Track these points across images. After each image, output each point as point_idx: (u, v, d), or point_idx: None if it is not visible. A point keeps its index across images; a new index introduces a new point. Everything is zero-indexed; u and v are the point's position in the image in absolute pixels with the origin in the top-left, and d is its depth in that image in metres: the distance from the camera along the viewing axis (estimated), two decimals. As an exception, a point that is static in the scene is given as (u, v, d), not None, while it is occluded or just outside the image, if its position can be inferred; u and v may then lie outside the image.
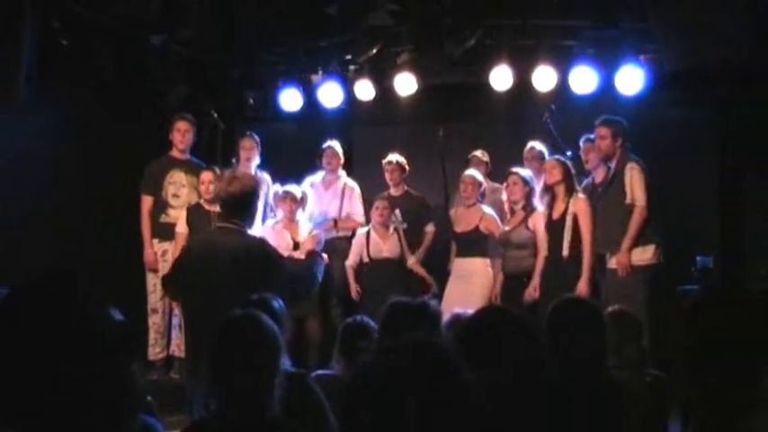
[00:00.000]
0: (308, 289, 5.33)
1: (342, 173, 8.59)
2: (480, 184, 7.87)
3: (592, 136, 7.33)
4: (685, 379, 2.01)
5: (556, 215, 7.11)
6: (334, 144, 8.52)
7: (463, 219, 7.86)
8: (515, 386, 2.43)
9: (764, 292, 2.05)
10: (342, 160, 8.56)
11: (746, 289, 2.06)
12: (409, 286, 7.67)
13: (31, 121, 7.18)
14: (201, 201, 7.54)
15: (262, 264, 4.79)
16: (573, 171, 7.17)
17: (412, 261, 8.00)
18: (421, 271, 8.00)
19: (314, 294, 7.72)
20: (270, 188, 8.23)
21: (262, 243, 5.13)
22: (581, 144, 7.55)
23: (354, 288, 8.04)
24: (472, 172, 7.98)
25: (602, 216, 7.04)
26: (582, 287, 6.78)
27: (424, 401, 1.47)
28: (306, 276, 5.15)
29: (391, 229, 8.03)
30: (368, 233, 8.06)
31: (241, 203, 4.93)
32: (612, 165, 7.09)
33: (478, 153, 8.52)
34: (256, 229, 7.10)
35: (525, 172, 7.51)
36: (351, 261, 8.10)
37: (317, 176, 8.41)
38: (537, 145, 7.92)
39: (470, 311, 4.31)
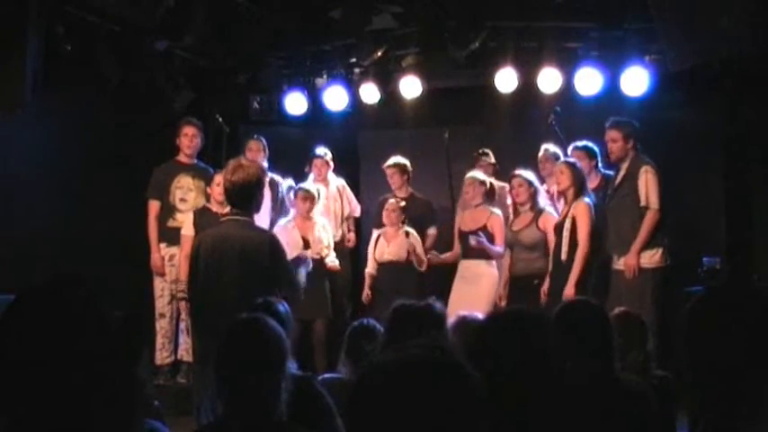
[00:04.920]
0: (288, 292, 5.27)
1: (331, 176, 8.58)
2: (483, 183, 7.82)
3: (579, 144, 7.34)
4: (691, 381, 2.00)
5: (561, 217, 7.10)
6: (324, 152, 8.47)
7: (470, 219, 7.84)
8: (522, 388, 2.42)
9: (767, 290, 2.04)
10: (332, 167, 8.53)
11: (750, 289, 2.04)
12: (416, 288, 7.66)
13: (35, 127, 7.20)
14: (209, 203, 7.52)
15: (270, 258, 4.80)
16: (582, 174, 7.11)
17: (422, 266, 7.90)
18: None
19: (323, 297, 7.76)
20: (282, 187, 8.20)
21: (271, 237, 5.16)
22: (569, 152, 7.49)
23: (366, 293, 8.02)
24: (472, 173, 7.93)
25: (613, 218, 7.00)
26: (568, 292, 6.66)
27: (428, 403, 1.47)
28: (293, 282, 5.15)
29: (401, 231, 7.98)
30: (378, 237, 8.04)
31: (246, 192, 4.93)
32: (624, 167, 7.04)
33: (483, 155, 8.48)
34: (264, 223, 7.17)
35: (528, 174, 7.47)
36: (369, 268, 8.07)
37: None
38: (551, 147, 7.86)
39: (477, 314, 4.33)
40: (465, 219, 7.88)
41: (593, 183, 7.33)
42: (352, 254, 8.71)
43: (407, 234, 7.94)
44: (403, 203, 8.02)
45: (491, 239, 7.66)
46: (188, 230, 7.16)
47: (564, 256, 6.91)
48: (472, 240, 7.55)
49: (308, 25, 8.37)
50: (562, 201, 7.25)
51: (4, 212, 7.26)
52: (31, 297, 1.65)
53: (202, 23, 7.69)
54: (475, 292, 7.48)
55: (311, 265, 7.12)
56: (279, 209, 8.05)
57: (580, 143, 7.34)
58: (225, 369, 2.96)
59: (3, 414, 1.56)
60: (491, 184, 7.88)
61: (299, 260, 7.04)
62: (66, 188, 7.77)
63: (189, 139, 7.83)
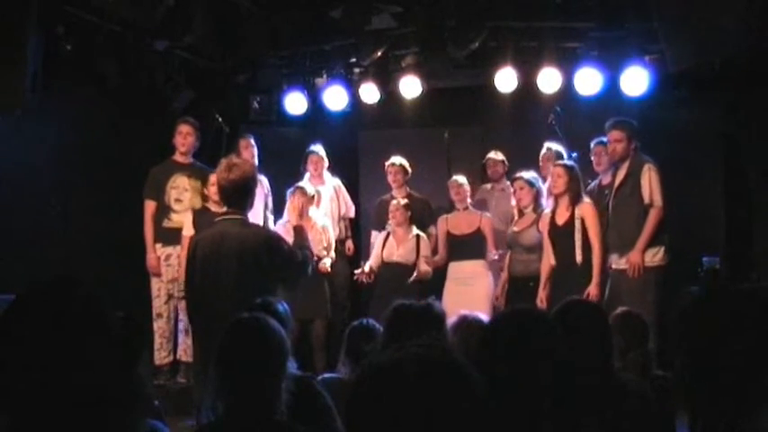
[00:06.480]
0: (299, 275, 5.19)
1: (327, 175, 8.59)
2: (465, 185, 7.91)
3: (604, 139, 7.28)
4: (690, 381, 2.00)
5: (561, 221, 7.05)
6: (318, 149, 8.48)
7: (462, 222, 7.85)
8: (522, 388, 2.43)
9: (764, 290, 2.04)
10: (327, 163, 8.54)
11: (748, 289, 2.05)
12: (419, 292, 7.64)
13: (35, 127, 7.20)
14: (208, 203, 7.53)
15: (269, 254, 4.80)
16: (579, 176, 7.12)
17: (413, 277, 7.74)
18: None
19: (322, 297, 7.76)
20: (269, 192, 8.22)
21: (268, 233, 5.17)
22: (591, 146, 7.51)
23: (361, 270, 7.90)
24: (456, 177, 8.01)
25: (615, 217, 6.99)
26: (593, 291, 6.71)
27: (428, 402, 1.47)
28: (298, 262, 5.10)
29: (411, 235, 7.97)
30: (387, 235, 8.03)
31: (242, 190, 4.94)
32: (625, 165, 7.04)
33: (492, 154, 8.47)
34: (258, 222, 7.20)
35: (529, 174, 7.49)
36: (372, 262, 7.99)
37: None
38: (553, 146, 7.88)
39: (478, 313, 4.33)
40: (455, 222, 7.90)
41: (607, 179, 7.35)
42: (350, 254, 8.72)
43: (418, 238, 7.93)
44: (405, 201, 8.01)
45: (484, 242, 7.71)
46: (188, 231, 7.16)
47: (579, 258, 6.89)
48: (495, 256, 7.59)
49: (308, 25, 8.37)
50: (552, 199, 7.22)
51: (4, 212, 7.26)
52: (31, 297, 1.65)
53: (202, 23, 7.69)
54: (471, 293, 7.48)
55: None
56: (265, 214, 8.06)
57: (605, 138, 7.30)
58: (225, 369, 2.96)
59: (4, 413, 1.57)
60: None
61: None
62: (66, 188, 7.77)
63: (183, 136, 7.83)
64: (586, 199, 7.06)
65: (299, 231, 5.42)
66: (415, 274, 7.73)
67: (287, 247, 4.99)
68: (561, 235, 6.99)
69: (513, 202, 7.68)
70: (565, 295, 6.51)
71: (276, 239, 5.03)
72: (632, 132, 7.03)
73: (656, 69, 7.73)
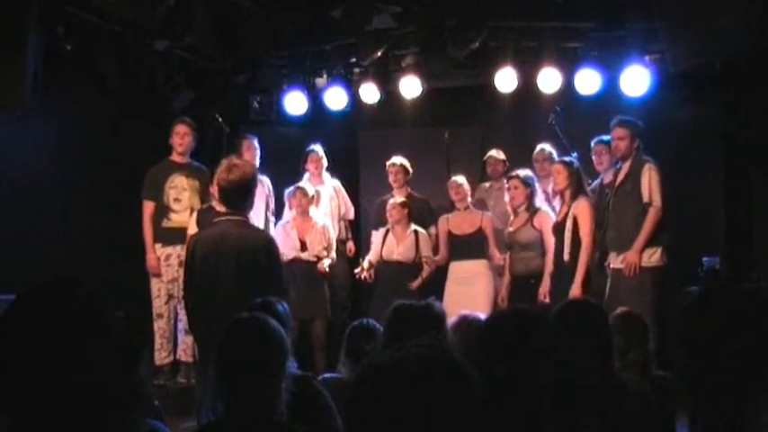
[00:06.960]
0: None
1: (326, 175, 8.59)
2: (464, 185, 7.91)
3: (605, 137, 7.28)
4: (690, 381, 2.01)
5: (560, 218, 7.11)
6: (318, 148, 8.50)
7: (463, 222, 7.85)
8: (522, 388, 2.42)
9: (764, 290, 2.05)
10: (326, 163, 8.55)
11: (747, 287, 2.06)
12: (419, 292, 7.63)
13: (35, 127, 7.20)
14: (213, 202, 7.51)
15: (266, 257, 4.82)
16: (580, 171, 7.13)
17: (417, 282, 7.75)
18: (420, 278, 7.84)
19: (322, 297, 7.76)
20: (270, 193, 8.23)
21: (267, 237, 5.20)
22: (592, 145, 7.51)
23: (361, 267, 7.92)
24: (455, 177, 8.01)
25: (615, 215, 7.00)
26: (575, 291, 6.70)
27: (428, 402, 1.47)
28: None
29: (410, 231, 7.97)
30: (386, 232, 8.02)
31: (242, 191, 4.94)
32: (627, 165, 7.04)
33: (494, 152, 8.48)
34: (259, 223, 7.21)
35: (524, 173, 7.47)
36: (371, 257, 8.00)
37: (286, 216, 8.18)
38: (547, 147, 7.90)
39: (478, 313, 4.33)
40: (456, 222, 7.90)
41: (609, 178, 7.36)
42: (352, 255, 8.72)
43: (417, 233, 7.93)
44: (401, 199, 8.01)
45: (485, 242, 7.71)
46: (193, 230, 7.16)
47: (566, 257, 6.91)
48: (501, 260, 7.59)
49: (308, 25, 8.37)
50: (558, 200, 7.25)
51: (4, 212, 7.26)
52: (32, 297, 1.65)
53: (202, 23, 7.69)
54: (472, 292, 7.49)
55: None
56: (266, 215, 8.07)
57: (605, 137, 7.31)
58: (225, 368, 2.96)
59: (4, 413, 1.57)
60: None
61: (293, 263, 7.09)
62: (66, 188, 7.77)
63: (180, 137, 7.83)
64: (585, 196, 7.06)
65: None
66: (419, 280, 7.74)
67: (279, 264, 5.07)
68: (558, 232, 7.05)
69: (507, 198, 7.69)
70: (555, 292, 6.64)
71: (274, 247, 5.06)
72: (636, 132, 7.02)
73: (656, 69, 7.73)
